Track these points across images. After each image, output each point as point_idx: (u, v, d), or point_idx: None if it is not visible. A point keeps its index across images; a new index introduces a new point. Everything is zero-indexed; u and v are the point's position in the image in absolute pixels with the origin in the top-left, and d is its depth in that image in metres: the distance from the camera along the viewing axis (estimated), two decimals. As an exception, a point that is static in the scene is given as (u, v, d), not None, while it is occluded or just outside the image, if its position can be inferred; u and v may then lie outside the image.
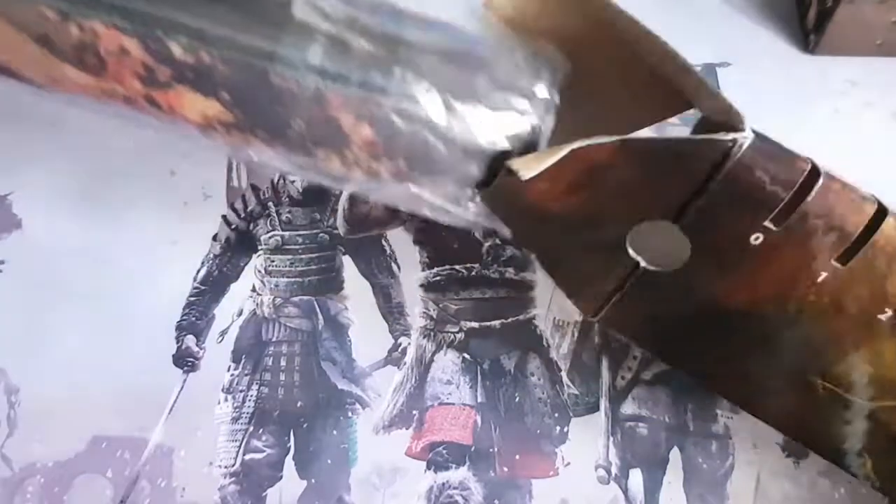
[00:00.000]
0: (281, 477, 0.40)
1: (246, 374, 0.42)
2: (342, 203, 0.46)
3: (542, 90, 0.26)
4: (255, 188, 0.47)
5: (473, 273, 0.44)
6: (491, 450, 0.40)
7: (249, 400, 0.42)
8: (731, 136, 0.28)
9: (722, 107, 0.29)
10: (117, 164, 0.47)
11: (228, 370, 0.43)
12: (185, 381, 0.42)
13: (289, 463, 0.41)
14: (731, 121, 0.28)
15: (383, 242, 0.46)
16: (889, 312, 0.29)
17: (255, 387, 0.42)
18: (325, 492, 0.40)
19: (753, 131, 0.28)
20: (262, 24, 0.22)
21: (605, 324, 0.33)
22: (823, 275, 0.29)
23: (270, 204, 0.47)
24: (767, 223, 0.28)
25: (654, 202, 0.28)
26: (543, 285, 0.44)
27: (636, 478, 0.40)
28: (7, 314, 0.43)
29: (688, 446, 0.41)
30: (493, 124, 0.25)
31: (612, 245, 0.29)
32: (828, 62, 0.51)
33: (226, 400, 0.42)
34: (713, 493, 0.39)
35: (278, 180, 0.47)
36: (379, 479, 0.40)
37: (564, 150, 0.25)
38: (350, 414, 0.41)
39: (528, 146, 0.26)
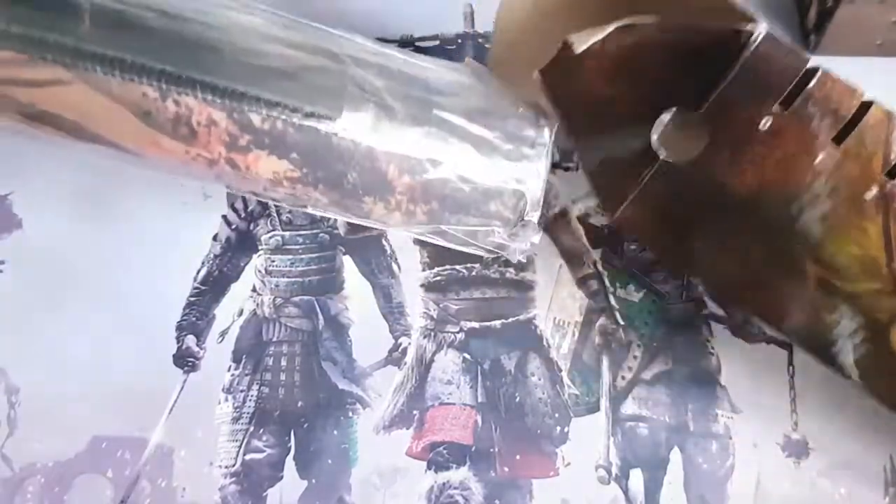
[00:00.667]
0: (281, 477, 0.40)
1: (246, 374, 0.42)
2: (342, 203, 0.47)
3: (542, 137, 0.32)
4: (255, 188, 0.47)
5: (474, 273, 0.44)
6: (491, 450, 0.40)
7: (250, 400, 0.42)
8: (750, 26, 0.33)
9: (742, 12, 0.34)
10: (117, 164, 0.47)
11: (229, 370, 0.43)
12: (185, 381, 0.42)
13: (289, 463, 0.41)
14: (748, 18, 0.33)
15: (384, 242, 0.46)
16: (874, 190, 0.33)
17: (255, 387, 0.42)
18: (326, 492, 0.40)
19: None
20: (325, 95, 0.26)
21: (622, 225, 0.36)
22: (821, 156, 0.34)
23: (271, 204, 0.47)
24: (776, 107, 0.34)
25: (681, 88, 0.33)
26: (543, 285, 0.44)
27: (636, 478, 0.40)
28: (7, 314, 0.43)
29: (688, 446, 0.41)
30: (507, 169, 0.31)
31: (640, 138, 0.34)
32: (828, 62, 0.51)
33: (226, 400, 0.42)
34: (713, 493, 0.40)
35: (278, 180, 0.47)
36: (379, 479, 0.40)
37: (612, 27, 0.30)
38: (350, 414, 0.41)
39: (534, 184, 0.32)
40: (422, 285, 0.45)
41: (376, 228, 0.46)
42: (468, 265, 0.44)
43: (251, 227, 0.46)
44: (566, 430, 0.41)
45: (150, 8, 0.24)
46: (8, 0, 0.21)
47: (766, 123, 0.34)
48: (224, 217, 0.46)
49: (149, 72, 0.22)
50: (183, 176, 0.28)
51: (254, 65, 0.25)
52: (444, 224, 0.32)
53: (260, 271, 0.45)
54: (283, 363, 0.43)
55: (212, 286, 0.45)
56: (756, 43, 0.33)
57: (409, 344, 0.43)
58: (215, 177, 0.27)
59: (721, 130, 0.34)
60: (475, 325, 0.43)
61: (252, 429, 0.41)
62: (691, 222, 0.35)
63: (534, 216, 0.33)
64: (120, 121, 0.23)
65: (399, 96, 0.29)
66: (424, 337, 0.43)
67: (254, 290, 0.45)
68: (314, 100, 0.26)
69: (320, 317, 0.44)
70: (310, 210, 0.31)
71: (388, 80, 0.29)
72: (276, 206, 0.47)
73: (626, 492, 0.40)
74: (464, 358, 0.43)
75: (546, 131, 0.33)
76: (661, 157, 0.34)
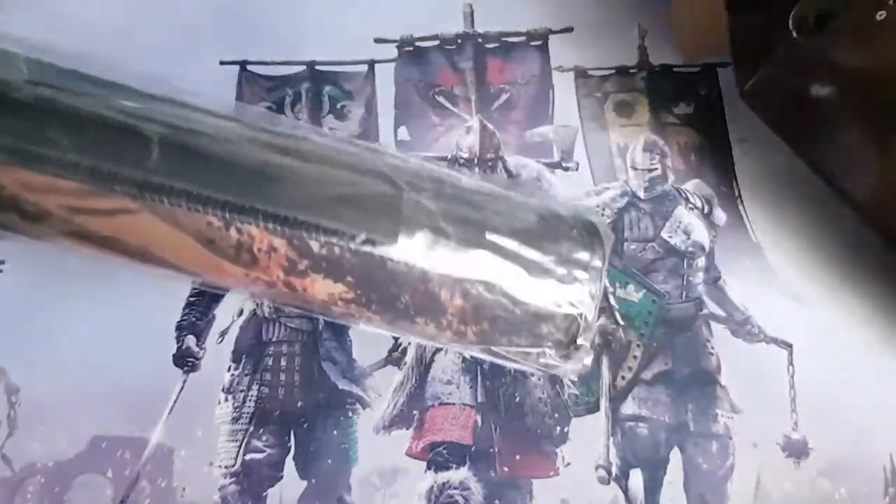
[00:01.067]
0: (281, 477, 0.40)
1: (246, 374, 0.42)
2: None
3: (596, 261, 0.32)
4: (255, 188, 0.47)
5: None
6: (491, 450, 0.40)
7: (250, 400, 0.42)
8: None
9: None
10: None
11: (229, 370, 0.43)
12: (185, 381, 0.42)
13: (289, 463, 0.41)
14: None
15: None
16: None
17: (255, 387, 0.42)
18: (326, 492, 0.40)
19: None
20: (382, 221, 0.27)
21: (751, 98, 0.37)
22: None
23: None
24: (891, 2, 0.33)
25: None
26: (543, 285, 0.44)
27: (636, 478, 0.40)
28: (7, 314, 0.43)
29: (688, 446, 0.41)
30: (559, 292, 0.31)
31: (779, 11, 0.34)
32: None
33: (226, 400, 0.42)
34: (713, 493, 0.40)
35: (278, 180, 0.47)
36: (379, 479, 0.40)
37: None
38: (350, 414, 0.41)
39: (587, 308, 0.32)
40: (422, 285, 0.45)
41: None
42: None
43: (251, 227, 0.46)
44: (566, 430, 0.41)
45: (215, 138, 0.25)
46: (79, 133, 0.22)
47: (880, 16, 0.33)
48: (224, 217, 0.46)
49: (213, 202, 0.23)
50: (238, 291, 0.29)
51: (313, 193, 0.26)
52: (494, 345, 0.32)
53: (260, 271, 0.45)
54: (283, 363, 0.43)
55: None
56: None
57: (409, 344, 0.43)
58: (271, 296, 0.29)
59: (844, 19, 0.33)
60: (475, 325, 0.43)
61: (252, 429, 0.41)
62: (815, 105, 0.35)
63: (586, 339, 0.33)
64: (184, 247, 0.24)
65: (452, 220, 0.29)
66: (424, 337, 0.43)
67: (254, 290, 0.45)
68: (371, 226, 0.27)
69: (320, 317, 0.44)
70: (361, 326, 0.32)
71: (442, 203, 0.30)
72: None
73: (625, 492, 0.40)
74: (463, 358, 0.43)
75: (599, 255, 0.33)
76: (795, 36, 0.34)
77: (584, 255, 0.32)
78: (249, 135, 0.27)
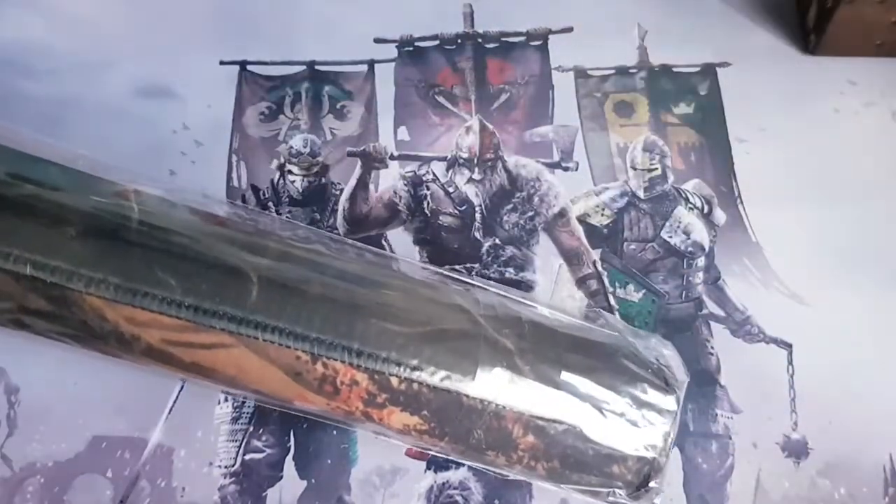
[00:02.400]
0: (281, 477, 0.40)
1: (246, 374, 0.42)
2: (342, 203, 0.46)
3: (671, 404, 0.32)
4: (255, 188, 0.47)
5: (473, 273, 0.44)
6: (491, 450, 0.40)
7: (249, 400, 0.42)
8: None
9: None
10: (117, 163, 0.47)
11: (228, 370, 0.43)
12: (185, 381, 0.42)
13: (289, 463, 0.41)
14: None
15: (383, 242, 0.46)
16: None
17: (255, 387, 0.42)
18: (325, 492, 0.40)
19: None
20: (460, 359, 0.27)
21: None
22: None
23: (270, 204, 0.47)
24: None
25: None
26: (543, 285, 0.44)
27: (636, 478, 0.40)
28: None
29: (688, 446, 0.41)
30: (632, 434, 0.31)
31: None
32: (828, 62, 0.51)
33: (226, 400, 0.42)
34: (713, 493, 0.39)
35: (278, 180, 0.47)
36: (379, 479, 0.40)
37: None
38: (350, 414, 0.41)
39: (660, 451, 0.32)
40: (421, 285, 0.45)
41: (377, 229, 0.46)
42: (468, 265, 0.44)
43: (251, 227, 0.46)
44: (566, 430, 0.41)
45: (308, 275, 0.26)
46: (186, 273, 0.23)
47: None
48: (224, 217, 0.46)
49: (303, 339, 0.25)
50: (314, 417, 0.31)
51: (396, 331, 0.27)
52: (564, 482, 0.32)
53: (260, 271, 0.45)
54: (283, 363, 0.43)
55: (212, 286, 0.45)
56: None
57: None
58: (349, 422, 0.31)
59: None
60: (475, 325, 0.43)
61: (251, 429, 0.41)
62: None
63: (657, 482, 0.33)
64: (272, 378, 0.26)
65: (529, 358, 0.30)
66: (424, 337, 0.43)
67: (253, 290, 0.45)
68: (450, 364, 0.28)
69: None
70: (432, 452, 0.33)
71: (520, 341, 0.30)
72: (276, 206, 0.47)
73: (625, 492, 0.40)
74: (463, 358, 0.43)
75: (674, 398, 0.33)
76: None
77: (659, 398, 0.32)
78: (339, 267, 0.28)
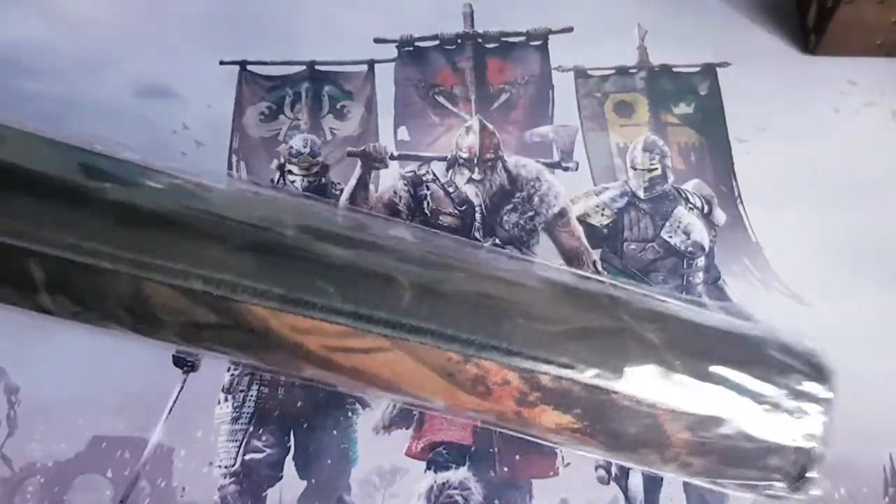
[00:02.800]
0: (281, 477, 0.40)
1: (246, 374, 0.42)
2: (342, 203, 0.46)
3: (826, 392, 0.32)
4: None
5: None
6: (491, 450, 0.40)
7: (249, 400, 0.42)
8: None
9: None
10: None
11: (228, 370, 0.43)
12: (185, 381, 0.42)
13: (289, 463, 0.41)
14: None
15: (383, 242, 0.46)
16: None
17: (255, 387, 0.42)
18: (325, 492, 0.40)
19: None
20: (608, 356, 0.28)
21: None
22: None
23: (270, 204, 0.47)
24: None
25: None
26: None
27: (636, 478, 0.40)
28: (7, 314, 0.43)
29: (688, 446, 0.41)
30: (789, 426, 0.31)
31: None
32: (828, 62, 0.51)
33: (226, 400, 0.42)
34: (713, 493, 0.39)
35: (278, 179, 0.47)
36: (379, 479, 0.40)
37: None
38: (350, 414, 0.41)
39: (819, 441, 0.32)
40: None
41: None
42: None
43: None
44: (566, 430, 0.41)
45: (453, 284, 0.27)
46: (344, 282, 0.24)
47: None
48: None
49: (455, 340, 0.26)
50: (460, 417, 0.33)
51: (542, 330, 0.28)
52: (721, 478, 0.32)
53: (260, 271, 0.45)
54: (283, 363, 0.43)
55: (212, 286, 0.45)
56: None
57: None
58: (501, 423, 0.31)
59: None
60: (475, 324, 0.43)
61: (252, 429, 0.41)
62: None
63: (816, 472, 0.32)
64: (426, 380, 0.26)
65: (677, 353, 0.30)
66: (424, 337, 0.43)
67: (253, 290, 0.45)
68: (599, 361, 0.28)
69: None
70: (580, 451, 0.33)
71: (665, 335, 0.30)
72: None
73: (625, 492, 0.40)
74: (463, 358, 0.43)
75: (828, 386, 0.32)
76: None
77: (813, 387, 0.32)
78: (477, 270, 0.29)
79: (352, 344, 0.25)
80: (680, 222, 0.46)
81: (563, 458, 0.40)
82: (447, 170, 0.48)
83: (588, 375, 0.28)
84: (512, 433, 0.41)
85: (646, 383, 0.29)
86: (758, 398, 0.31)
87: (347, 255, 0.26)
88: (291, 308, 0.24)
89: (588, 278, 0.34)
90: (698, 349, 0.31)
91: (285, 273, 0.25)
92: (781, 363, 0.32)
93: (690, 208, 0.47)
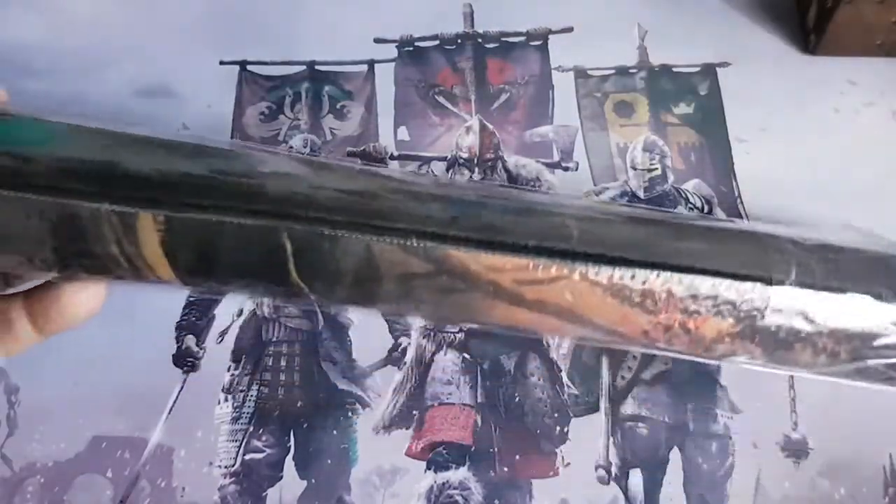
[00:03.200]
0: (281, 477, 0.40)
1: (246, 374, 0.42)
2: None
3: None
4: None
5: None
6: (491, 450, 0.40)
7: (249, 400, 0.42)
8: None
9: None
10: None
11: (228, 370, 0.43)
12: (185, 381, 0.42)
13: (289, 463, 0.41)
14: None
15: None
16: None
17: (255, 387, 0.42)
18: (325, 492, 0.40)
19: None
20: (757, 266, 0.30)
21: None
22: None
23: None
24: None
25: None
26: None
27: (636, 478, 0.40)
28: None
29: (688, 446, 0.41)
30: None
31: None
32: (828, 62, 0.51)
33: (226, 400, 0.42)
34: (713, 493, 0.40)
35: (278, 180, 0.47)
36: (379, 479, 0.40)
37: None
38: (350, 414, 0.41)
39: None
40: (421, 285, 0.45)
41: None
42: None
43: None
44: (566, 430, 0.41)
45: (619, 215, 0.31)
46: (525, 221, 0.28)
47: None
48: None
49: (622, 262, 0.29)
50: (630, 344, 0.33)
51: (703, 249, 0.30)
52: (868, 359, 0.33)
53: (260, 271, 0.45)
54: (283, 363, 0.43)
55: (212, 286, 0.45)
56: None
57: (409, 344, 0.43)
58: (671, 345, 0.32)
59: None
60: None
61: (252, 429, 0.41)
62: None
63: None
64: (600, 301, 0.29)
65: (816, 260, 0.31)
66: (424, 337, 0.43)
67: (253, 290, 0.45)
68: (748, 271, 0.30)
69: (320, 317, 0.44)
70: (739, 362, 0.34)
71: (802, 247, 0.32)
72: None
73: (625, 492, 0.40)
74: (463, 358, 0.43)
75: None
76: None
77: None
78: (628, 213, 0.32)
79: (538, 276, 0.28)
80: (680, 222, 0.46)
81: (563, 458, 0.40)
82: (447, 170, 0.48)
83: (738, 284, 0.30)
84: (512, 434, 0.41)
85: (793, 294, 0.31)
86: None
87: (511, 204, 0.30)
88: (486, 249, 0.28)
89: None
90: (850, 271, 0.32)
91: (476, 219, 0.29)
92: None
93: (690, 208, 0.47)
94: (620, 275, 0.30)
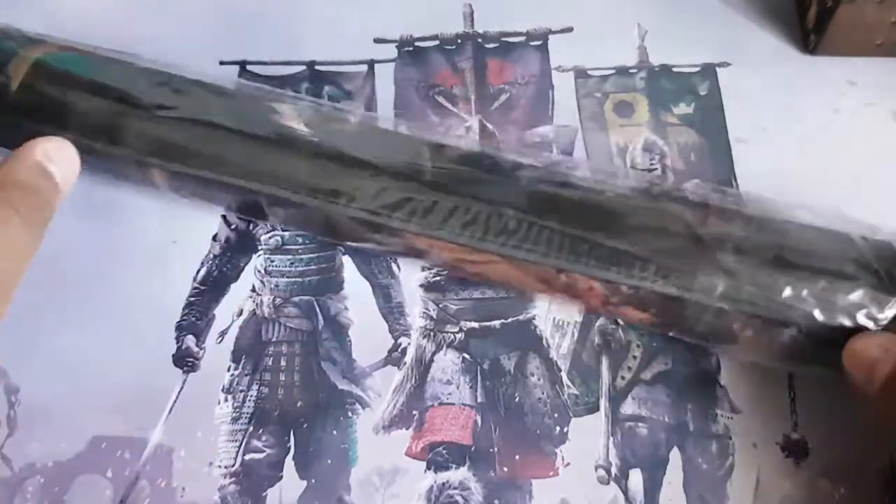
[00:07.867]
0: (281, 477, 0.40)
1: (246, 375, 0.42)
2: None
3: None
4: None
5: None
6: (491, 450, 0.40)
7: (249, 400, 0.42)
8: None
9: None
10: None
11: (228, 370, 0.43)
12: (185, 381, 0.42)
13: (289, 463, 0.41)
14: None
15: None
16: None
17: (255, 387, 0.42)
18: (325, 492, 0.40)
19: None
20: (682, 269, 0.31)
21: None
22: None
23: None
24: None
25: None
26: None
27: (636, 478, 0.40)
28: (7, 314, 0.43)
29: (688, 446, 0.41)
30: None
31: None
32: (828, 62, 0.51)
33: (226, 400, 0.42)
34: (713, 493, 0.40)
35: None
36: (379, 480, 0.40)
37: None
38: (350, 414, 0.41)
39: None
40: (421, 285, 0.45)
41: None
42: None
43: (251, 227, 0.46)
44: (565, 430, 0.41)
45: (553, 213, 0.32)
46: (458, 221, 0.31)
47: None
48: (223, 217, 0.46)
49: (548, 257, 0.31)
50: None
51: (623, 250, 0.32)
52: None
53: (259, 271, 0.45)
54: (283, 363, 0.43)
55: (211, 286, 0.45)
56: None
57: (409, 344, 0.43)
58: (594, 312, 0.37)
59: None
60: (475, 325, 0.44)
61: (252, 429, 0.41)
62: None
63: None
64: (528, 284, 0.33)
65: (749, 272, 0.31)
66: (424, 337, 0.43)
67: (253, 290, 0.45)
68: (671, 273, 0.32)
69: (320, 317, 0.44)
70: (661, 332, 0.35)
71: (739, 255, 0.32)
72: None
73: (625, 492, 0.40)
74: (463, 358, 0.43)
75: None
76: None
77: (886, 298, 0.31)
78: (577, 197, 0.33)
79: (473, 258, 0.32)
80: (680, 222, 0.46)
81: (563, 458, 0.40)
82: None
83: (660, 285, 0.31)
84: (512, 434, 0.41)
85: (716, 293, 0.31)
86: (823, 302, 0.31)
87: (465, 188, 0.32)
88: (429, 233, 0.31)
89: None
90: (769, 269, 0.31)
91: (420, 204, 0.31)
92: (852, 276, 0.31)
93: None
94: (546, 270, 0.32)
